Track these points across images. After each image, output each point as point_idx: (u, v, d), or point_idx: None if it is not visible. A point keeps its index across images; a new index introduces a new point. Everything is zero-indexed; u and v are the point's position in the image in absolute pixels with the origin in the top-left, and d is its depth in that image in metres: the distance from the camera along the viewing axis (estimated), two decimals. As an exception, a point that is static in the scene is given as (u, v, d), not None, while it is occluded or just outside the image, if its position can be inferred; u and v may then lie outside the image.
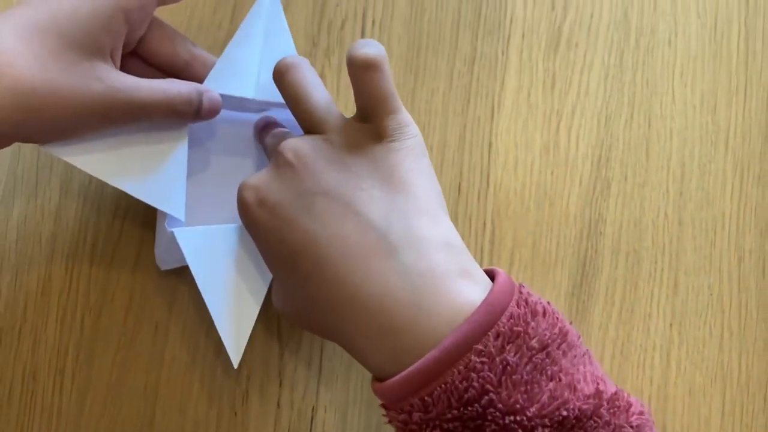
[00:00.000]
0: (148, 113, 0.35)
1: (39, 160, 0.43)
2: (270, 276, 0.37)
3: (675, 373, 0.41)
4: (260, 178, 0.34)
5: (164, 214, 0.37)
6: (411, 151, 0.33)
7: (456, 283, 0.30)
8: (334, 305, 0.31)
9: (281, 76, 0.36)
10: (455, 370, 0.28)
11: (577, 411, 0.28)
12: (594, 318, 0.41)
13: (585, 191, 0.43)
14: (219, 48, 0.44)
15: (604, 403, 0.28)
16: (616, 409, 0.29)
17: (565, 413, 0.28)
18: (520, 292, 0.30)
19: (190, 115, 0.36)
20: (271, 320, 0.41)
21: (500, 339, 0.28)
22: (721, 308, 0.41)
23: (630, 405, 0.29)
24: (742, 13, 0.45)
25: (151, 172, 0.36)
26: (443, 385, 0.28)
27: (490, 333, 0.28)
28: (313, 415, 0.40)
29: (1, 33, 0.32)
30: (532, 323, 0.29)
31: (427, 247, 0.30)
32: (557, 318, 0.30)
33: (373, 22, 0.45)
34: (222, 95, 0.37)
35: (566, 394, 0.28)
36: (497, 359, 0.28)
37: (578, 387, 0.28)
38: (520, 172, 0.43)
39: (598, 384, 0.29)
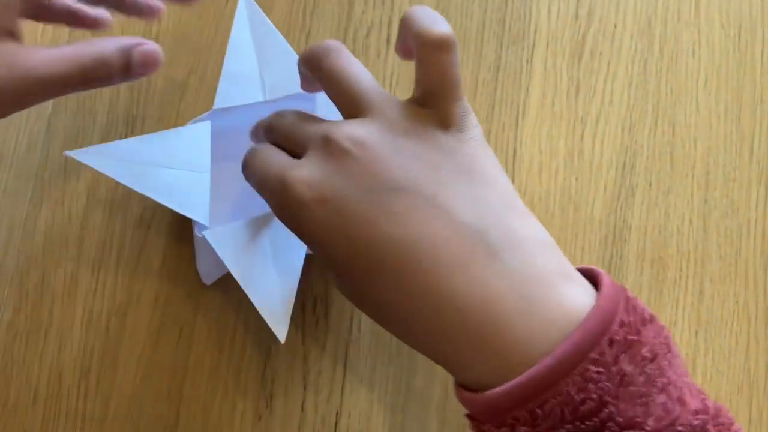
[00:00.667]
0: (65, 86, 0.31)
1: (66, 166, 0.43)
2: (303, 252, 0.37)
3: (701, 380, 0.41)
4: (312, 171, 0.29)
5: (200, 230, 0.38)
6: (481, 141, 0.30)
7: (562, 286, 0.27)
8: (425, 314, 0.27)
9: (320, 61, 0.32)
10: (570, 380, 0.25)
11: (689, 427, 0.26)
12: (619, 325, 0.41)
13: (610, 198, 0.43)
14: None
15: (710, 419, 0.26)
16: (721, 426, 0.26)
17: (680, 428, 0.25)
18: (627, 297, 0.27)
19: (114, 76, 0.31)
20: (296, 323, 0.41)
21: (614, 348, 0.25)
22: (747, 316, 0.41)
23: (732, 422, 0.27)
24: (766, 22, 0.46)
25: (175, 178, 0.37)
26: (557, 397, 0.25)
27: (603, 341, 0.25)
28: (337, 419, 0.40)
29: None
30: (643, 332, 0.26)
31: (530, 248, 0.27)
32: (661, 325, 0.28)
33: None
34: (236, 107, 0.38)
35: (677, 408, 0.26)
36: (613, 369, 0.25)
37: (687, 401, 0.26)
38: (545, 178, 0.43)
39: (703, 398, 0.27)
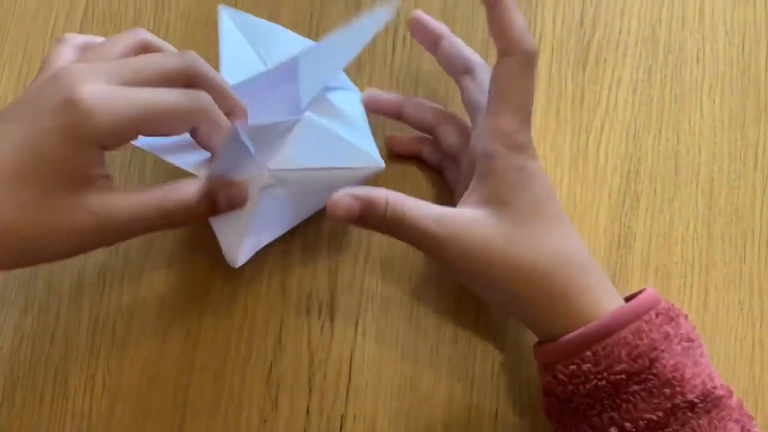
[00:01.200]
0: (147, 229, 0.34)
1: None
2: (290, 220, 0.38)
3: (705, 387, 0.41)
4: None
5: (217, 221, 0.37)
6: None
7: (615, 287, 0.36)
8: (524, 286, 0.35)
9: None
10: (627, 330, 0.32)
11: (720, 390, 0.33)
12: (623, 331, 0.41)
13: (614, 205, 0.43)
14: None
15: (735, 399, 0.33)
16: (743, 411, 0.34)
17: (712, 386, 0.32)
18: (670, 302, 0.35)
19: (199, 217, 0.35)
20: (301, 327, 0.41)
21: (660, 317, 0.33)
22: (751, 323, 0.41)
23: (752, 418, 0.34)
24: (770, 31, 0.46)
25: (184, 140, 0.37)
26: (617, 339, 0.32)
27: (651, 311, 0.33)
28: (342, 423, 0.40)
29: None
30: (681, 318, 0.34)
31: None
32: (695, 328, 0.35)
33: (404, 38, 0.45)
34: (241, 84, 0.37)
35: (710, 376, 0.33)
36: (660, 329, 0.33)
37: (715, 378, 0.33)
38: (550, 184, 0.43)
39: (729, 386, 0.34)
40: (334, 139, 0.38)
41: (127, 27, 0.46)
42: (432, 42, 0.41)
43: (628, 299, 0.35)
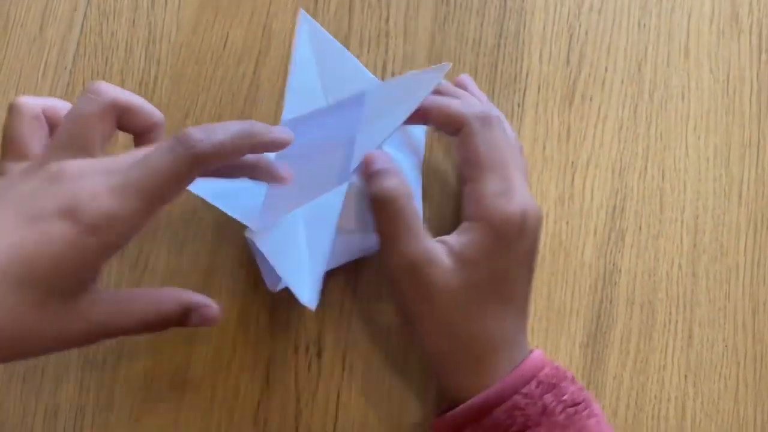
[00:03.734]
0: (124, 334, 0.33)
1: (65, 204, 0.44)
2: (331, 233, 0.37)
3: (690, 425, 0.41)
4: None
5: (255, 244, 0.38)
6: None
7: (510, 352, 0.36)
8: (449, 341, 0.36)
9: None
10: (502, 407, 0.33)
11: None
12: (609, 368, 0.42)
13: (600, 242, 0.43)
14: (242, 98, 0.45)
15: None
16: None
17: None
18: (556, 365, 0.35)
19: (170, 326, 0.35)
20: (288, 365, 0.41)
21: (540, 388, 0.34)
22: (736, 360, 0.42)
23: None
24: (755, 67, 0.46)
25: (234, 186, 0.37)
26: (490, 420, 0.34)
27: (532, 382, 0.34)
28: (328, 461, 0.40)
29: None
30: (564, 383, 0.35)
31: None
32: (583, 389, 0.35)
33: (392, 73, 0.46)
34: (299, 118, 0.39)
35: None
36: (538, 402, 0.33)
37: None
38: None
39: None
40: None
41: (118, 61, 0.46)
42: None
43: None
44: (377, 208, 0.36)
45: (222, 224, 0.43)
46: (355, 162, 0.38)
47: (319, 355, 0.41)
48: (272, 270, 0.38)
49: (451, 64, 0.40)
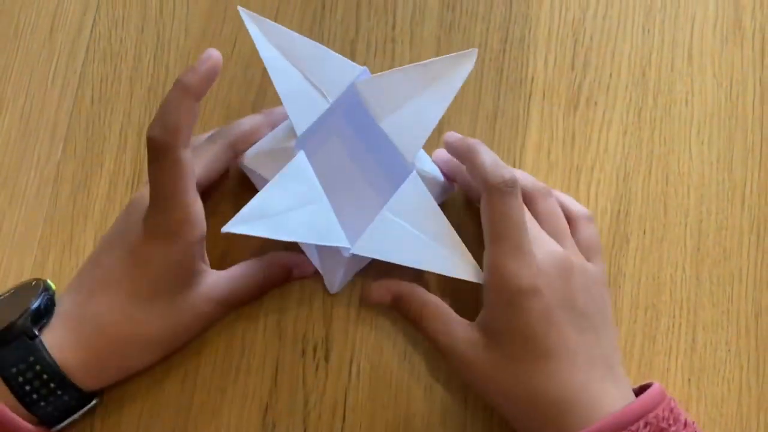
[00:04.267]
0: (254, 299, 0.42)
1: (74, 209, 0.44)
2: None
3: (694, 427, 0.41)
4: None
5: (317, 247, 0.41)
6: None
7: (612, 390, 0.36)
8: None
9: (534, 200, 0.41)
10: None
11: None
12: (613, 371, 0.42)
13: (604, 245, 0.44)
14: (250, 103, 0.46)
15: None
16: None
17: None
18: (671, 404, 0.35)
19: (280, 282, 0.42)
20: (296, 367, 0.42)
21: (648, 428, 0.33)
22: (739, 364, 0.42)
23: None
24: (757, 72, 0.47)
25: (304, 216, 0.38)
26: None
27: (640, 421, 0.33)
28: (336, 463, 0.40)
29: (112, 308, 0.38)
30: (674, 427, 0.34)
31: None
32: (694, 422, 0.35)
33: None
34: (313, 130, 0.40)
35: None
36: None
37: None
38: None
39: None
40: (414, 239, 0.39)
41: (127, 68, 0.47)
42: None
43: (638, 392, 0.36)
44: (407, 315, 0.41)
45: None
46: (407, 152, 0.40)
47: (326, 358, 0.42)
48: (335, 271, 0.41)
49: (476, 49, 0.40)
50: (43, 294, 0.38)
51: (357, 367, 0.42)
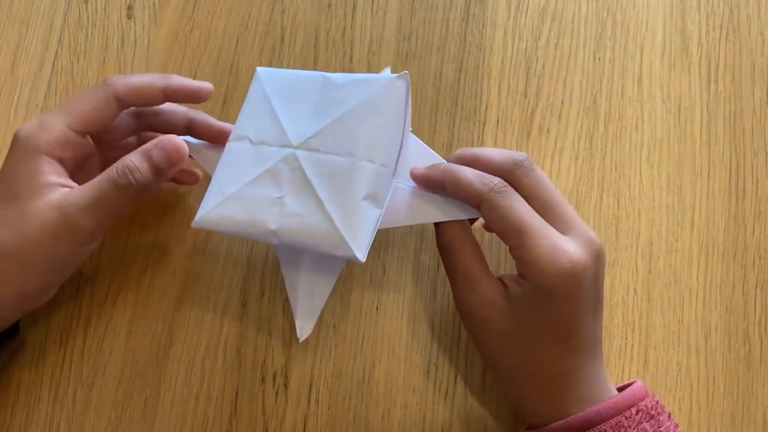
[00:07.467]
0: (109, 207, 0.37)
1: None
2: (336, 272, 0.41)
3: (647, 446, 0.42)
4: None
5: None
6: None
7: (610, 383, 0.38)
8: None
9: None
10: (606, 424, 0.35)
11: None
12: (568, 393, 0.43)
13: (557, 269, 0.44)
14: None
15: None
16: None
17: None
18: (654, 398, 0.37)
19: (146, 182, 0.37)
20: (256, 394, 0.42)
21: (640, 414, 0.36)
22: (689, 383, 0.43)
23: None
24: (704, 98, 0.48)
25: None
26: None
27: (633, 408, 0.36)
28: (295, 489, 0.41)
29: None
30: (662, 417, 0.36)
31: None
32: (678, 427, 0.37)
33: (357, 107, 0.47)
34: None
35: None
36: (638, 427, 0.35)
37: None
38: (495, 252, 0.45)
39: None
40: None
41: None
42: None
43: (620, 388, 0.38)
44: (441, 255, 0.40)
45: (190, 256, 0.44)
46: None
47: (285, 385, 0.42)
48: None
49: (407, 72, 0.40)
50: None
51: (316, 393, 0.42)
